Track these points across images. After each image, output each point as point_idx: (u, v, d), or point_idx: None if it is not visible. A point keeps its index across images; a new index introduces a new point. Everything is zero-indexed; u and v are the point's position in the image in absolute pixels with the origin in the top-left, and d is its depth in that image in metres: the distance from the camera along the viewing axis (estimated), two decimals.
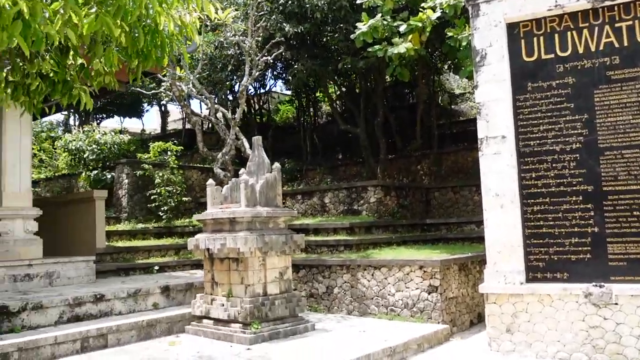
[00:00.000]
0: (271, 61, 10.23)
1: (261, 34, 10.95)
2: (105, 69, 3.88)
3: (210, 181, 7.16)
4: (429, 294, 7.01)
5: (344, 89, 14.39)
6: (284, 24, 10.53)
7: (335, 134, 17.66)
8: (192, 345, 6.01)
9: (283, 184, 15.16)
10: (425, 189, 12.01)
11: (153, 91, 13.16)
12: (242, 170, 7.20)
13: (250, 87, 18.93)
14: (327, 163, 15.44)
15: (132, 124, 26.50)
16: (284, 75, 16.63)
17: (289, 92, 20.41)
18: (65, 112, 22.86)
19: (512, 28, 6.23)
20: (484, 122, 6.23)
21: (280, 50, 10.58)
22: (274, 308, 6.38)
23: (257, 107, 19.67)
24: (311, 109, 19.51)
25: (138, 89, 13.20)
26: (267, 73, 16.95)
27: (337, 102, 16.38)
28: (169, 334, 6.62)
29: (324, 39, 11.06)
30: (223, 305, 6.42)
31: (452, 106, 17.92)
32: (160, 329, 6.56)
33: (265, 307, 6.29)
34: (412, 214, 11.38)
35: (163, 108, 23.39)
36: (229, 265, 6.51)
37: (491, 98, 6.20)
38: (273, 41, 10.40)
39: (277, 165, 7.08)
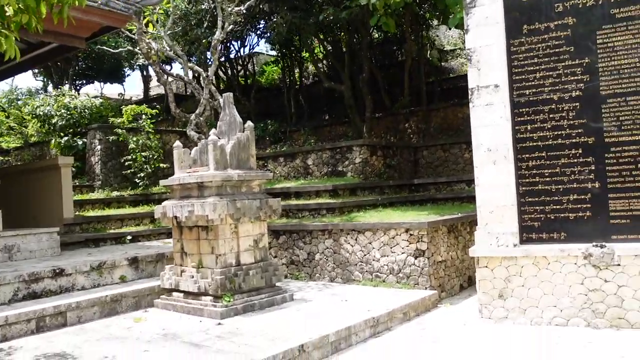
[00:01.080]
0: (244, 11, 9.44)
1: None
2: (20, 5, 3.23)
3: (177, 143, 6.56)
4: (416, 258, 6.54)
5: (328, 46, 13.60)
6: None
7: (321, 94, 16.96)
8: (158, 321, 5.53)
9: (267, 146, 14.61)
10: (413, 147, 11.46)
11: (120, 49, 12.34)
12: (212, 131, 6.59)
13: (232, 47, 18.18)
14: (313, 124, 14.82)
15: (115, 90, 25.56)
16: (266, 33, 15.81)
17: (274, 53, 19.57)
18: (41, 78, 21.96)
19: None
20: (475, 70, 5.63)
21: (252, 0, 9.79)
22: (248, 279, 5.89)
23: (239, 68, 18.85)
24: (297, 70, 18.74)
25: (106, 47, 12.37)
26: (250, 32, 16.14)
27: (324, 60, 15.61)
28: (137, 309, 6.13)
29: None
30: (193, 277, 5.91)
31: (442, 63, 17.20)
32: (127, 304, 6.06)
33: (238, 278, 5.79)
34: (400, 174, 10.87)
35: (145, 72, 22.44)
36: (198, 233, 5.98)
37: (483, 43, 5.59)
38: None
39: (249, 124, 6.48)
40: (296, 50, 16.94)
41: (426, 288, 6.43)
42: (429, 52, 14.45)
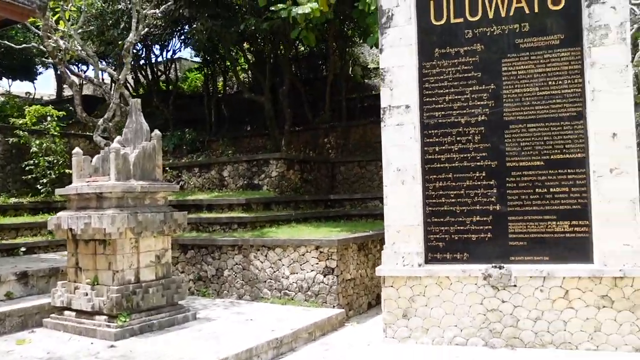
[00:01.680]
0: (159, 14, 9.10)
1: None
2: None
3: (77, 150, 6.13)
4: (325, 276, 6.46)
5: (251, 56, 13.43)
6: None
7: (244, 104, 16.70)
8: (45, 343, 5.08)
9: (183, 156, 14.15)
10: (331, 163, 11.49)
11: (25, 45, 11.55)
12: (117, 138, 6.22)
13: (153, 51, 17.52)
14: (233, 134, 14.53)
15: (27, 88, 23.95)
16: (190, 39, 15.39)
17: (198, 60, 19.11)
18: None
19: None
20: (387, 90, 5.67)
21: (169, 3, 9.46)
22: (148, 297, 5.56)
23: (160, 73, 18.23)
24: (221, 78, 18.39)
25: (9, 43, 11.53)
26: (172, 37, 15.64)
27: (249, 70, 15.38)
28: (23, 329, 5.62)
29: None
30: (87, 294, 5.50)
31: (366, 80, 17.48)
32: (11, 324, 5.54)
33: (136, 296, 5.45)
34: (317, 189, 10.84)
35: (58, 71, 21.16)
36: (94, 248, 5.58)
37: (396, 63, 5.64)
38: None
39: (157, 132, 6.18)
40: (221, 58, 16.62)
41: (334, 306, 6.37)
42: (351, 68, 14.60)
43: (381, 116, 5.67)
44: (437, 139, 5.56)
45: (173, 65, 18.84)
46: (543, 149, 5.23)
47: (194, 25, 10.46)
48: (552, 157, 5.21)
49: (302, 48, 16.77)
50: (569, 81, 5.20)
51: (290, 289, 6.74)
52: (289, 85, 11.53)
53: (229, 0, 9.96)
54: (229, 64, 16.87)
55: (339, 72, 13.78)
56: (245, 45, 14.30)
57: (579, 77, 5.16)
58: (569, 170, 5.16)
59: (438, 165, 5.53)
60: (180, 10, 9.96)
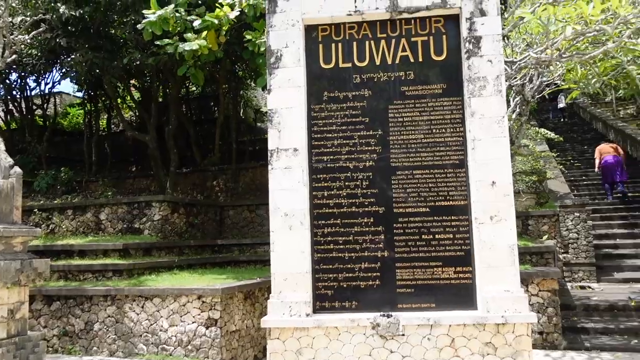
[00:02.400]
0: (28, 40, 8.37)
1: (29, 13, 9.02)
2: None
3: None
4: (207, 328, 5.99)
5: (136, 93, 12.80)
6: (58, 4, 8.75)
7: (129, 143, 15.86)
8: None
9: (57, 196, 12.96)
10: (219, 206, 11.06)
11: None
12: None
13: (27, 83, 16.17)
14: (116, 175, 13.63)
15: None
16: (69, 71, 14.42)
17: (81, 95, 17.98)
18: None
19: (311, 31, 5.65)
20: (275, 132, 5.48)
21: (41, 29, 8.75)
22: None
23: (35, 108, 16.85)
24: (105, 115, 17.40)
25: None
26: (51, 69, 14.57)
27: (135, 108, 14.67)
28: None
29: (111, 29, 9.52)
30: None
31: (258, 123, 17.40)
32: None
33: None
34: (203, 234, 10.32)
35: None
36: None
37: (285, 105, 5.49)
38: (36, 18, 8.54)
39: (17, 170, 5.48)
40: (105, 94, 15.73)
41: None
42: (242, 110, 14.44)
43: (268, 159, 5.45)
44: (325, 184, 5.43)
45: (52, 99, 17.57)
46: (428, 195, 5.28)
47: (73, 57, 9.72)
48: (437, 203, 5.26)
49: (194, 88, 16.42)
50: (452, 129, 5.35)
51: (168, 344, 6.16)
52: (176, 124, 11.07)
53: (113, 32, 9.39)
54: (112, 100, 16.10)
55: (231, 114, 13.57)
56: (133, 81, 13.67)
57: (461, 125, 5.33)
58: (453, 217, 5.23)
59: (327, 211, 5.38)
60: (57, 40, 9.23)
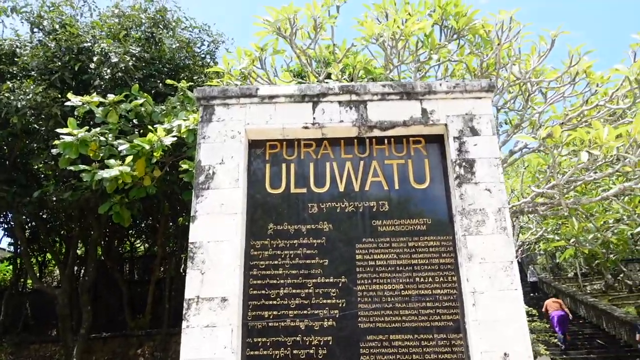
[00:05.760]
0: None
1: None
2: None
3: None
4: None
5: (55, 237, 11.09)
6: None
7: (46, 300, 13.65)
8: None
9: None
10: None
11: None
12: None
13: None
14: (20, 338, 11.26)
15: None
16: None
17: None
18: None
19: (256, 146, 4.41)
20: (197, 273, 3.90)
21: None
22: None
23: None
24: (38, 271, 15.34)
25: None
26: None
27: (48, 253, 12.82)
28: None
29: (30, 161, 8.15)
30: None
31: None
32: None
33: None
34: None
35: None
36: None
37: (214, 238, 3.99)
38: None
39: None
40: (39, 248, 13.99)
41: None
42: (183, 266, 12.74)
43: (183, 313, 3.79)
44: (265, 352, 3.76)
45: None
46: None
47: None
48: None
49: (141, 247, 14.86)
50: (442, 278, 3.92)
51: None
52: (94, 275, 9.24)
53: (31, 164, 8.01)
54: (49, 256, 14.26)
55: (173, 274, 11.85)
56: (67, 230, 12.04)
57: (453, 273, 3.91)
58: None
59: None
60: None
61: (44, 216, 10.85)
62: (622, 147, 4.54)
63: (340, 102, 4.33)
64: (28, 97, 7.21)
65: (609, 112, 6.80)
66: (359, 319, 3.80)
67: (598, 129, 4.19)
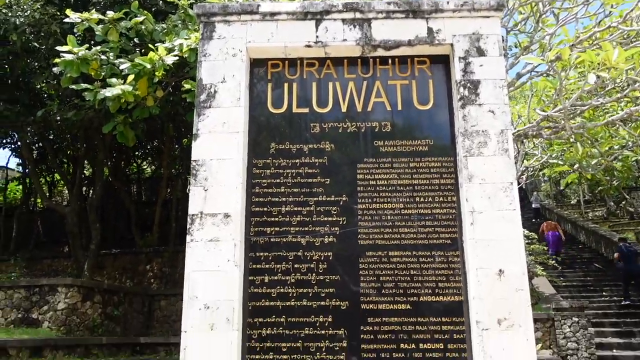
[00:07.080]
0: None
1: None
2: None
3: None
4: None
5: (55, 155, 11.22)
6: None
7: (57, 219, 14.01)
8: None
9: None
10: (149, 295, 9.19)
11: None
12: None
13: None
14: (32, 254, 11.67)
15: None
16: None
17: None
18: None
19: (258, 65, 4.35)
20: (200, 190, 3.98)
21: None
22: None
23: None
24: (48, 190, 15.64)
25: None
26: None
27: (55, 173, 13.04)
28: None
29: (33, 80, 8.08)
30: None
31: None
32: None
33: None
34: (125, 329, 8.40)
35: None
36: None
37: (216, 155, 4.04)
38: None
39: None
40: (48, 169, 14.12)
41: None
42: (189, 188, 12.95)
43: (187, 227, 3.91)
44: (267, 266, 3.90)
45: None
46: (410, 287, 3.80)
47: None
48: (421, 298, 3.78)
49: (147, 168, 15.03)
50: (441, 198, 3.98)
51: None
52: (100, 193, 9.40)
53: (33, 83, 7.93)
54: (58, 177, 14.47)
55: (180, 195, 12.05)
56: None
57: (453, 193, 3.97)
58: (443, 319, 3.74)
59: (267, 304, 3.81)
60: None
61: (50, 137, 10.91)
62: (631, 71, 4.44)
63: (343, 20, 4.23)
64: (26, 13, 7.04)
65: (622, 35, 6.61)
66: (359, 236, 3.91)
67: (608, 50, 4.08)
